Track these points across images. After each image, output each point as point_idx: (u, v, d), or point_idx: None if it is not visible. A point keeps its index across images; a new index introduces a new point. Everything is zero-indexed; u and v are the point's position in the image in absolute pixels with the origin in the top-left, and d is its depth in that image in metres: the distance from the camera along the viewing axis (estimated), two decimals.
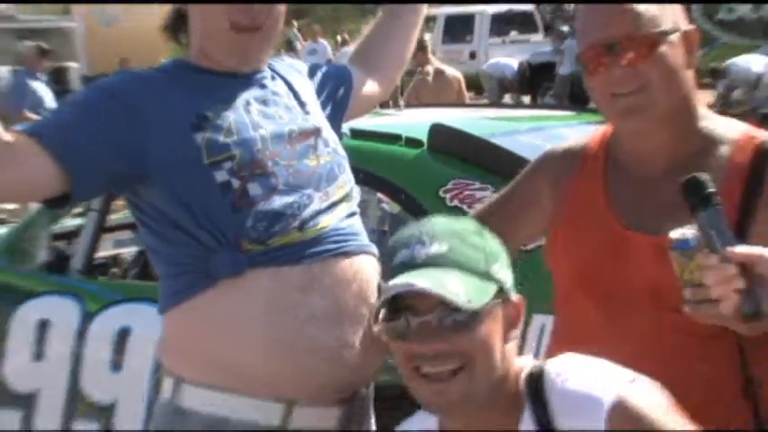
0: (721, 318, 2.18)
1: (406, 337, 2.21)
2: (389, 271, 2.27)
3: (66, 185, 2.59)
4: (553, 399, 2.25)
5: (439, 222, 2.39)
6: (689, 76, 2.54)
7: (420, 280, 2.16)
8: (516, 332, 2.32)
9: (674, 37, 2.49)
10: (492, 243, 2.32)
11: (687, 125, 2.55)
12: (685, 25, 2.54)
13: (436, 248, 2.24)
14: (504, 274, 2.31)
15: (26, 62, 15.80)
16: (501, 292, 2.28)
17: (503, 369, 2.27)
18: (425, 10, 3.39)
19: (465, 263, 2.24)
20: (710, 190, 2.17)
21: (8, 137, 2.51)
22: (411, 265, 2.22)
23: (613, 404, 2.16)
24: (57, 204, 2.75)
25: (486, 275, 2.25)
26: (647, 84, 2.46)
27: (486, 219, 2.80)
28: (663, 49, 2.46)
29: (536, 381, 2.29)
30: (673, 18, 2.51)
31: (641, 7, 2.46)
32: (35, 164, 2.54)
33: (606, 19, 2.50)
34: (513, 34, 29.71)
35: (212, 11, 2.71)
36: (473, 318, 2.20)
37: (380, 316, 2.26)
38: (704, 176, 2.19)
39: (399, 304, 2.20)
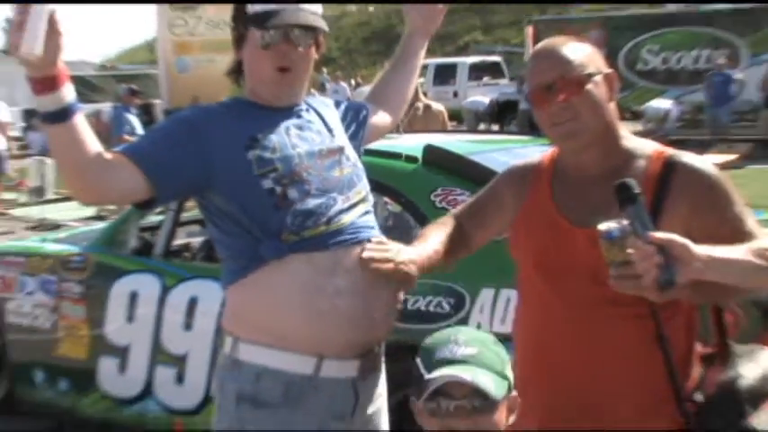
0: (638, 289, 2.20)
1: (444, 416, 2.23)
2: (431, 362, 2.30)
3: (151, 192, 2.62)
4: None
5: (466, 331, 2.46)
6: (612, 107, 2.57)
7: (463, 373, 2.21)
8: (513, 417, 2.36)
9: (598, 78, 2.52)
10: (503, 350, 2.36)
11: (612, 143, 2.57)
12: (606, 69, 2.57)
13: (469, 351, 2.28)
14: (510, 373, 2.35)
15: (123, 99, 15.72)
16: (510, 388, 2.32)
17: None
18: (421, 61, 3.39)
19: (489, 363, 2.28)
20: (636, 191, 2.21)
21: (109, 155, 2.55)
22: (450, 361, 2.25)
23: None
24: (144, 207, 2.79)
25: (502, 374, 2.30)
26: (578, 114, 2.49)
27: (463, 217, 2.89)
28: (589, 87, 2.49)
29: None
30: (596, 64, 2.54)
31: (571, 56, 2.50)
32: (128, 176, 2.56)
33: (546, 66, 2.54)
34: (486, 79, 29.69)
35: (261, 60, 2.73)
36: (494, 405, 2.25)
37: (416, 393, 2.30)
38: (632, 181, 2.23)
39: (437, 389, 2.23)
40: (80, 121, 2.47)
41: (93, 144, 2.51)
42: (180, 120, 2.84)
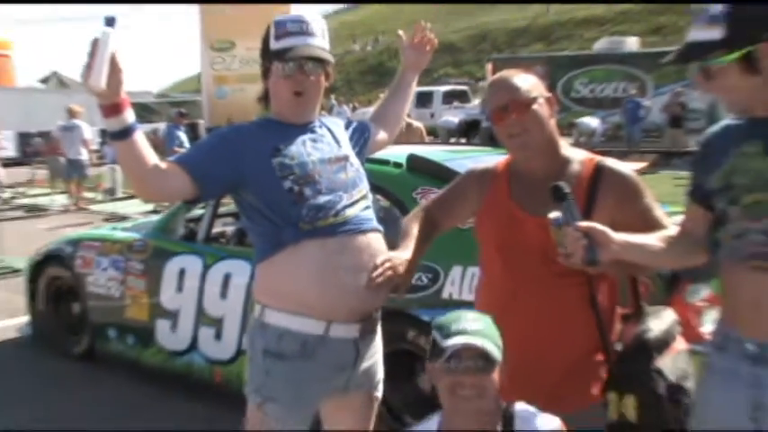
0: (579, 264, 2.24)
1: (456, 373, 2.25)
2: (447, 333, 2.30)
3: (197, 191, 2.64)
4: (518, 421, 2.35)
5: (472, 312, 2.46)
6: (552, 123, 2.60)
7: (474, 341, 2.25)
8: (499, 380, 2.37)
9: (541, 100, 2.56)
10: (496, 328, 2.37)
11: (554, 152, 2.61)
12: (547, 94, 2.61)
13: (477, 325, 2.31)
14: (501, 344, 2.34)
15: (174, 120, 15.73)
16: (502, 356, 2.32)
17: (497, 398, 2.33)
18: (413, 91, 3.40)
19: (490, 335, 2.31)
20: (566, 191, 2.26)
21: (164, 164, 2.58)
22: (463, 332, 2.27)
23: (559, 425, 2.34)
24: (192, 203, 2.80)
25: (498, 344, 2.30)
26: (527, 129, 2.53)
27: (434, 208, 2.90)
28: (534, 107, 2.54)
29: (509, 413, 2.36)
30: (539, 90, 2.58)
31: (520, 84, 2.54)
32: (179, 179, 2.59)
33: (501, 92, 2.57)
34: (456, 103, 29.69)
35: (282, 87, 2.73)
36: (494, 366, 2.28)
37: (434, 356, 2.32)
38: (563, 183, 2.27)
39: (452, 353, 2.26)
40: (140, 138, 2.50)
41: (150, 155, 2.53)
42: (219, 135, 2.82)
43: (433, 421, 2.44)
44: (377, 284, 2.66)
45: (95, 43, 2.31)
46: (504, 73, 2.65)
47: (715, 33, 2.08)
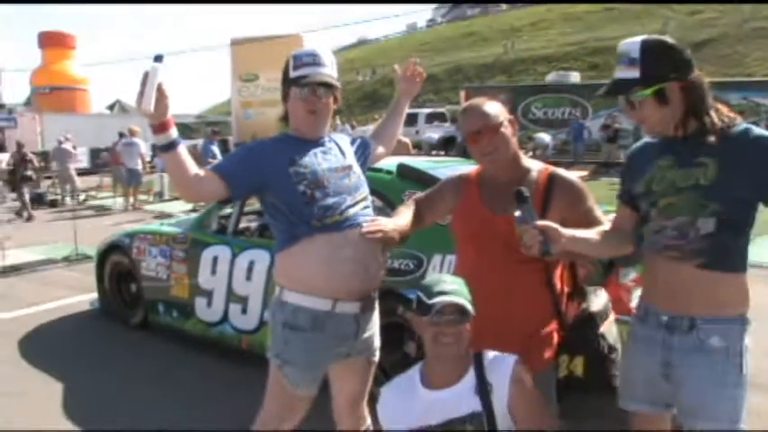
0: (536, 254, 2.24)
1: (440, 325, 2.27)
2: (430, 293, 2.30)
3: (229, 193, 2.63)
4: (487, 362, 2.35)
5: (448, 275, 2.47)
6: (515, 140, 2.59)
7: (454, 299, 2.27)
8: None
9: (506, 123, 2.56)
10: (468, 288, 2.37)
11: (516, 163, 2.59)
12: (509, 116, 2.60)
13: (454, 286, 2.32)
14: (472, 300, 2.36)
15: (210, 136, 15.70)
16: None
17: (468, 345, 2.34)
18: (405, 114, 3.37)
19: (464, 294, 2.31)
20: (526, 195, 2.24)
21: (202, 172, 2.57)
22: (444, 292, 2.28)
23: (515, 361, 2.33)
24: (225, 203, 2.78)
25: (470, 301, 2.31)
26: (497, 148, 2.53)
27: (420, 203, 2.85)
28: (502, 130, 2.52)
29: (479, 357, 2.37)
30: (504, 114, 2.56)
31: (489, 111, 2.53)
32: (215, 184, 2.59)
33: (474, 119, 2.55)
34: (436, 123, 29.43)
35: (298, 107, 2.72)
36: (469, 318, 2.30)
37: (419, 312, 2.32)
38: (523, 189, 2.26)
39: (432, 307, 2.28)
40: (182, 151, 2.50)
41: (191, 165, 2.54)
42: (246, 148, 2.82)
43: (414, 370, 2.45)
44: (367, 237, 2.62)
45: (146, 75, 2.33)
46: (475, 101, 2.62)
47: (635, 73, 2.17)
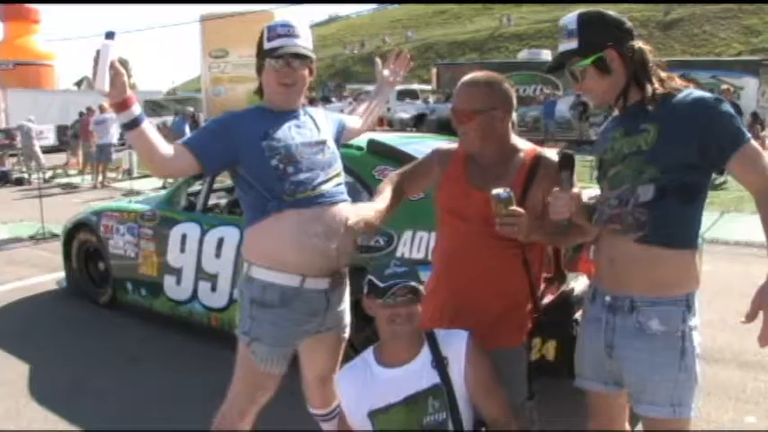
0: (512, 233, 2.24)
1: (393, 306, 2.31)
2: (382, 277, 2.33)
3: (200, 168, 2.59)
4: (440, 339, 2.40)
5: (397, 259, 2.54)
6: (502, 126, 2.52)
7: (406, 280, 2.31)
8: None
9: (495, 111, 2.48)
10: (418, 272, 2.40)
11: (502, 143, 2.53)
12: (500, 103, 2.51)
13: (404, 269, 2.35)
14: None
15: (187, 116, 15.70)
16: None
17: (419, 324, 2.38)
18: (386, 101, 3.36)
19: (415, 276, 2.34)
20: (574, 162, 2.25)
21: (172, 146, 2.54)
22: (396, 274, 2.32)
23: (469, 335, 2.37)
24: (197, 177, 2.75)
25: (420, 282, 2.35)
26: (465, 134, 2.51)
27: (404, 175, 2.81)
28: (486, 118, 2.47)
29: (431, 335, 2.41)
30: (494, 101, 2.49)
31: (481, 97, 2.48)
32: (186, 158, 2.54)
33: (464, 98, 2.51)
34: (408, 100, 29.24)
35: (272, 79, 2.68)
36: (420, 298, 2.35)
37: (373, 295, 2.35)
38: (571, 152, 2.28)
39: (386, 290, 2.30)
40: (147, 127, 2.45)
41: (158, 140, 2.49)
42: (218, 121, 2.76)
43: (368, 352, 2.48)
44: (350, 227, 2.56)
45: (98, 54, 2.27)
46: (477, 78, 2.55)
47: (573, 44, 2.17)
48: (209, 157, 2.59)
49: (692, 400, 2.16)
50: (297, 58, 2.66)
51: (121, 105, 2.37)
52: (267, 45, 2.67)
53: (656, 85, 2.17)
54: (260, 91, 2.80)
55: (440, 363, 2.32)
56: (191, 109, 17.01)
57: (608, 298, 2.25)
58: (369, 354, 2.46)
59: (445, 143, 2.84)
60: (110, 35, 2.31)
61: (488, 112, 2.46)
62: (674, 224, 2.12)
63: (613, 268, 2.22)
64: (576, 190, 2.23)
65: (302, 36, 2.70)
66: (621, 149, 2.19)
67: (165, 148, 2.51)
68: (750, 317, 1.99)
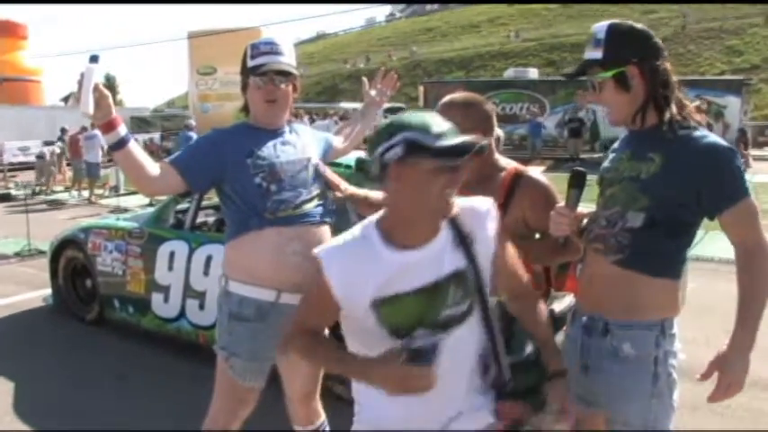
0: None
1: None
2: (435, 138, 1.76)
3: (187, 186, 2.62)
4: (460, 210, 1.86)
5: (437, 116, 2.20)
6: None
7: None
8: None
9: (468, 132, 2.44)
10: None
11: (482, 163, 2.47)
12: (482, 123, 2.50)
13: (447, 124, 1.78)
14: None
15: (189, 129, 16.17)
16: None
17: None
18: (374, 121, 3.33)
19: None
20: (584, 178, 2.19)
21: (158, 165, 2.58)
22: (448, 132, 1.73)
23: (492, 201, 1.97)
24: (184, 196, 2.77)
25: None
26: None
27: None
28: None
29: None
30: (473, 120, 2.46)
31: (459, 116, 2.33)
32: (172, 177, 2.57)
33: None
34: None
35: (256, 96, 2.71)
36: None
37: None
38: (583, 170, 2.20)
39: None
40: (133, 147, 2.48)
41: (145, 159, 2.52)
42: (204, 138, 2.79)
43: (368, 229, 1.87)
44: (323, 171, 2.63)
45: (81, 77, 2.31)
46: (454, 99, 2.54)
47: (598, 54, 2.11)
48: (196, 176, 2.62)
49: (669, 425, 2.14)
50: (280, 75, 2.69)
51: (107, 126, 2.40)
52: (251, 63, 2.70)
53: (675, 110, 2.10)
54: (245, 108, 2.83)
55: (464, 241, 1.85)
56: (192, 122, 17.07)
57: (584, 318, 2.23)
58: (370, 229, 1.86)
59: None
60: (94, 58, 2.34)
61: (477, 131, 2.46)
62: (656, 254, 2.09)
63: (591, 288, 2.21)
64: (580, 210, 2.21)
65: (285, 53, 2.74)
66: (623, 172, 2.16)
67: (152, 167, 2.53)
68: (706, 376, 2.04)
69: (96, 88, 2.31)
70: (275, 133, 2.76)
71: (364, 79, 3.37)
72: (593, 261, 2.21)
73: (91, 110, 2.31)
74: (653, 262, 2.09)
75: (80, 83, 2.29)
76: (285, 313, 2.69)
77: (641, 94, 2.11)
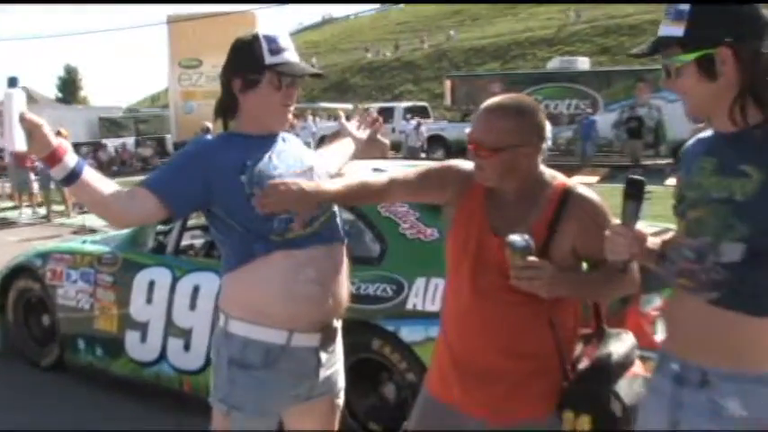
0: (531, 288, 2.22)
1: None
2: None
3: (167, 211, 2.62)
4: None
5: None
6: (528, 163, 2.46)
7: None
8: None
9: (519, 148, 2.42)
10: None
11: (526, 178, 2.46)
12: (525, 139, 2.43)
13: None
14: None
15: (206, 131, 16.08)
16: None
17: None
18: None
19: None
20: (645, 192, 2.11)
21: (128, 190, 2.60)
22: None
23: None
24: (166, 223, 2.78)
25: None
26: (485, 167, 2.44)
27: (393, 181, 2.71)
28: (504, 155, 2.41)
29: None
30: (521, 137, 2.42)
31: (500, 127, 2.40)
32: (149, 203, 2.57)
33: (482, 127, 2.46)
34: (417, 119, 29.16)
35: (273, 98, 2.72)
36: None
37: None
38: (639, 177, 2.12)
39: None
40: (90, 177, 2.47)
41: (106, 187, 2.52)
42: (185, 153, 2.80)
43: None
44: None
45: (1, 105, 2.31)
46: (504, 104, 2.48)
47: (678, 30, 1.96)
48: (178, 200, 2.63)
49: None
50: (301, 78, 2.79)
51: (50, 159, 2.38)
52: (272, 59, 2.71)
53: None
54: (225, 111, 2.83)
55: None
56: (209, 124, 16.97)
57: (675, 366, 2.10)
58: None
59: (467, 164, 2.74)
60: (12, 82, 2.34)
61: (515, 149, 2.41)
62: (763, 291, 1.94)
63: (682, 330, 2.09)
64: (641, 227, 2.12)
65: (294, 50, 2.80)
66: (709, 190, 2.00)
67: (120, 195, 2.54)
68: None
69: (23, 118, 2.29)
70: (269, 141, 2.79)
71: (341, 113, 3.44)
72: (681, 299, 2.10)
73: (23, 146, 2.29)
74: (760, 301, 1.94)
75: (1, 115, 2.28)
76: (299, 357, 2.70)
77: (733, 83, 1.94)
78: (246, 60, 2.74)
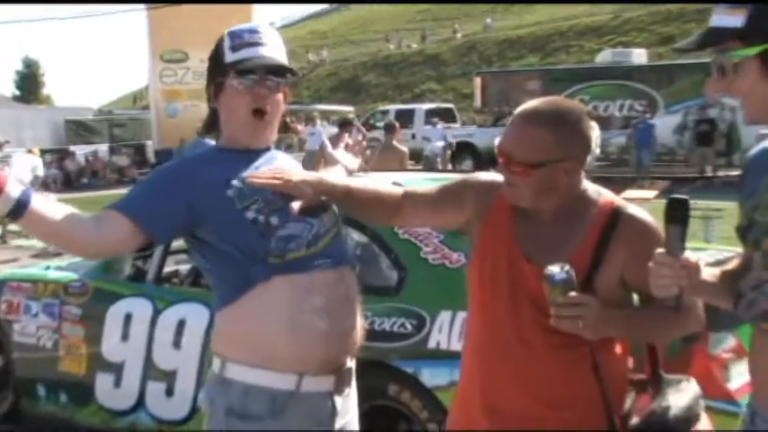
0: (574, 329, 2.18)
1: None
2: None
3: (144, 237, 2.61)
4: None
5: None
6: (573, 178, 2.42)
7: None
8: None
9: (555, 164, 2.37)
10: None
11: (567, 196, 2.42)
12: (562, 154, 2.36)
13: None
14: None
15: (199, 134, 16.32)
16: None
17: None
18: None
19: None
20: (689, 214, 2.08)
21: (95, 216, 2.59)
22: None
23: None
24: (145, 249, 2.78)
25: None
26: (518, 183, 2.39)
27: (406, 196, 2.75)
28: (538, 172, 2.36)
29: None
30: (561, 151, 2.36)
31: (535, 139, 2.35)
32: (119, 228, 2.55)
33: (512, 138, 2.42)
34: (441, 123, 29.15)
35: (239, 103, 2.71)
36: None
37: None
38: (683, 197, 2.08)
39: None
40: (40, 206, 2.44)
41: (64, 214, 2.49)
42: (162, 171, 2.83)
43: None
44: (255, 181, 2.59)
45: None
46: (541, 111, 2.44)
47: (737, 20, 1.92)
48: (158, 224, 2.63)
49: None
50: (274, 74, 2.72)
51: None
52: (231, 57, 2.72)
53: None
54: (210, 125, 2.87)
55: None
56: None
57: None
58: None
59: (487, 175, 2.73)
60: None
61: (554, 165, 2.37)
62: None
63: None
64: (691, 256, 2.07)
65: (277, 46, 2.78)
66: None
67: (84, 221, 2.53)
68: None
69: None
70: (260, 155, 2.80)
71: (325, 140, 3.43)
72: (765, 344, 2.07)
73: None
74: None
75: None
76: (311, 405, 2.69)
77: None
78: (213, 63, 2.78)
